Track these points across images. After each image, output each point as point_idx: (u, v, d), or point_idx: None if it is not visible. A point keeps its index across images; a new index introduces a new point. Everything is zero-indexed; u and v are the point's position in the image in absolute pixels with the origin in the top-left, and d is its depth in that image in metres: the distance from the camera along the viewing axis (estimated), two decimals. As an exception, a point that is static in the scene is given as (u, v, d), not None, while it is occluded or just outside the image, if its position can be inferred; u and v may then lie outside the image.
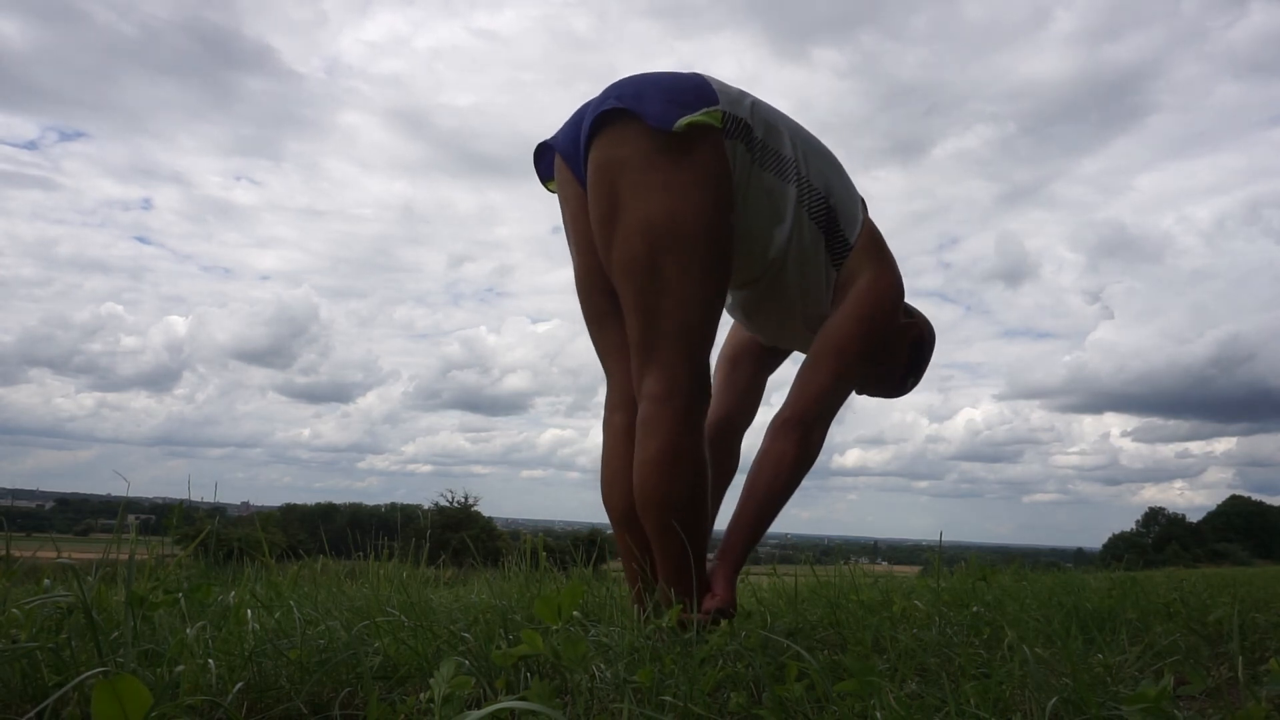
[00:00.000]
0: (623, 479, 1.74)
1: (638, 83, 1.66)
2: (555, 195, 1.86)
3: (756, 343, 2.10)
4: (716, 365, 2.15)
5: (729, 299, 1.98)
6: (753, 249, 1.74)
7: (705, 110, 1.60)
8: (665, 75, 1.69)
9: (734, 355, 2.13)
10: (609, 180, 1.63)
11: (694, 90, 1.64)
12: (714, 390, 2.12)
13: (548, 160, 1.86)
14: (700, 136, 1.60)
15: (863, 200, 1.90)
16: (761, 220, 1.72)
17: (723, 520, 1.93)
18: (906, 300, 1.99)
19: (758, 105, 1.72)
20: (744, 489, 1.78)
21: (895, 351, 1.96)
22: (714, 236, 1.62)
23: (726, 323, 2.13)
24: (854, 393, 2.05)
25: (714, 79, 1.70)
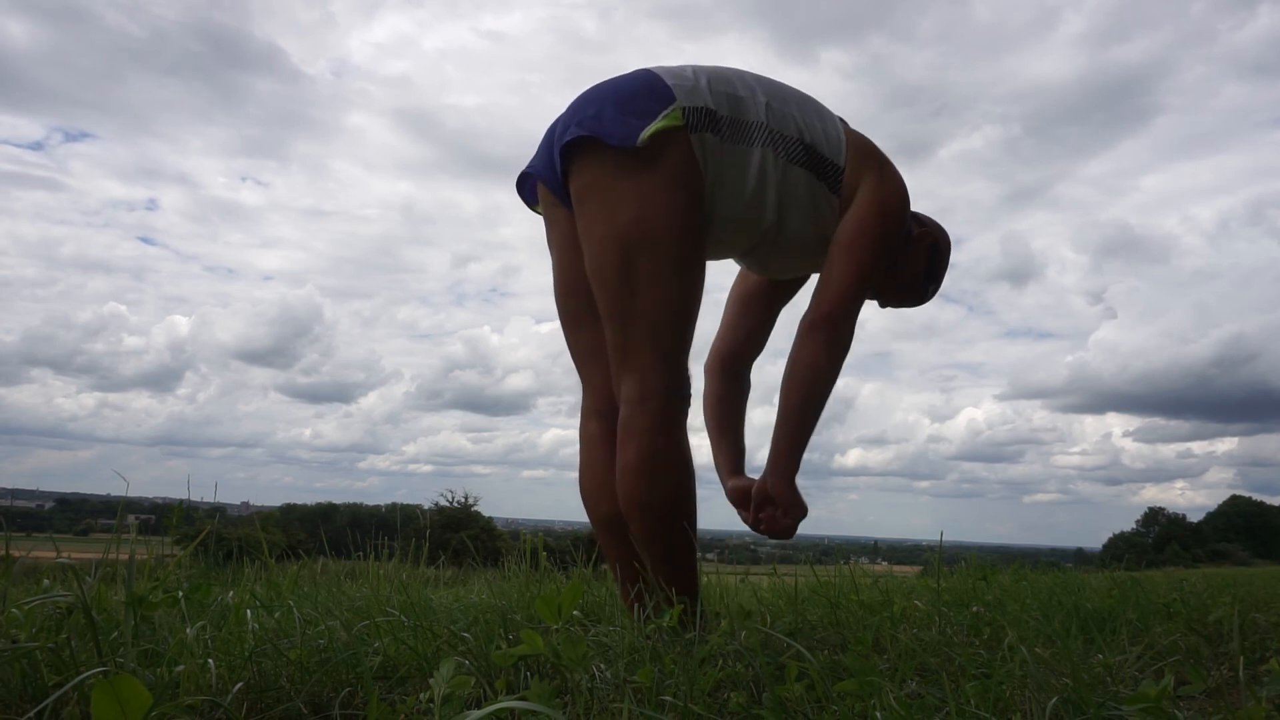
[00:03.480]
0: (603, 485, 1.74)
1: (596, 101, 1.66)
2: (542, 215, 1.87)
3: (763, 283, 2.10)
4: (726, 303, 2.16)
5: (740, 263, 2.01)
6: (746, 223, 1.75)
7: (664, 115, 1.61)
8: (618, 85, 1.69)
9: (743, 295, 2.12)
10: (587, 204, 1.66)
11: (649, 94, 1.64)
12: (724, 326, 2.13)
13: (530, 185, 1.87)
14: (666, 140, 1.61)
15: (841, 120, 1.88)
16: (745, 194, 1.71)
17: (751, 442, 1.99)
18: (917, 210, 1.98)
19: (714, 78, 1.71)
20: (781, 398, 1.77)
21: (914, 259, 1.98)
22: (683, 238, 1.63)
23: (709, 327, 2.13)
24: (879, 306, 2.06)
25: (666, 71, 1.69)
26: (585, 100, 1.69)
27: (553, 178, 1.73)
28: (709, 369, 2.12)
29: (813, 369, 1.75)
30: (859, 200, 1.79)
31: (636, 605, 1.63)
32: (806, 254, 1.88)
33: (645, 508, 1.63)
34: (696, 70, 1.72)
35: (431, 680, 0.97)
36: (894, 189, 1.81)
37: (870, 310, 2.05)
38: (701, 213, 1.67)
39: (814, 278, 2.06)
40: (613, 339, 1.67)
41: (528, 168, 1.83)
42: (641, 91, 1.65)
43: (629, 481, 1.63)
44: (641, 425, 1.62)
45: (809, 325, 1.77)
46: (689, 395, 1.70)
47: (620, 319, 1.65)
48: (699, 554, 1.74)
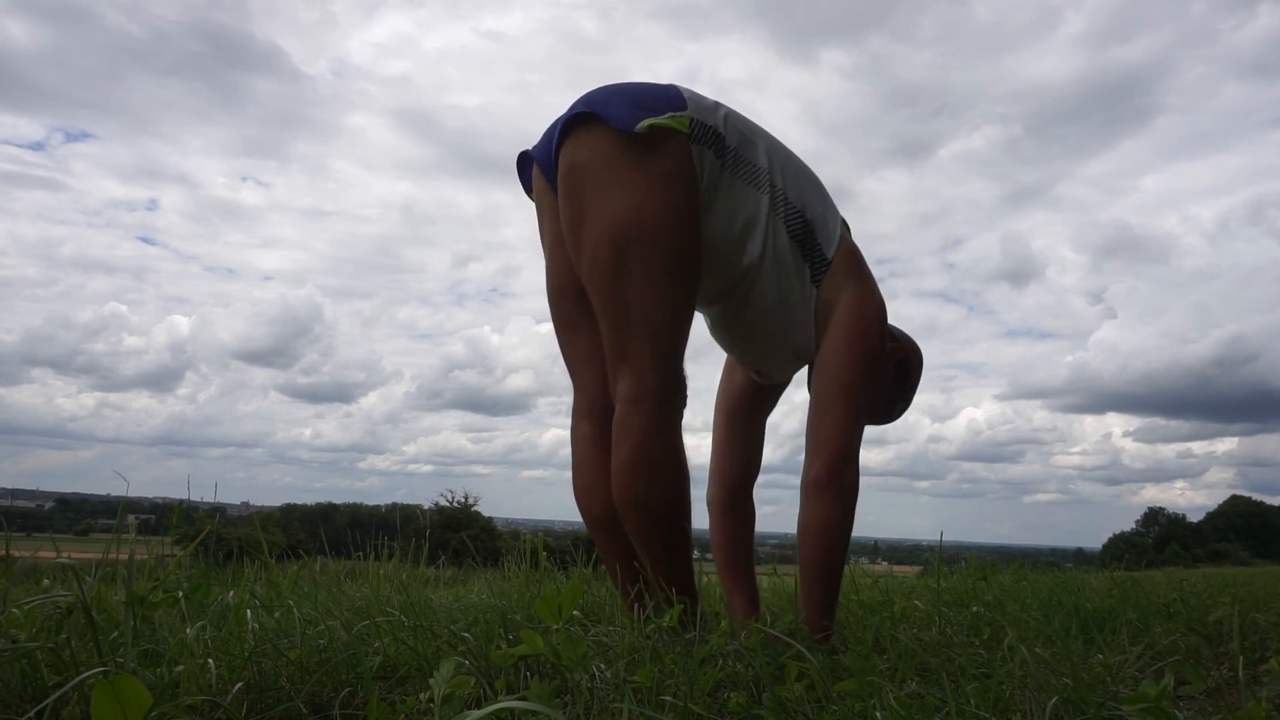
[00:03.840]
0: (595, 485, 1.74)
1: (608, 90, 1.67)
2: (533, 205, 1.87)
3: (747, 390, 2.08)
4: (714, 424, 2.13)
5: (707, 319, 1.97)
6: (725, 258, 1.73)
7: (670, 115, 1.61)
8: (637, 84, 1.70)
9: (728, 412, 2.10)
10: (575, 184, 1.64)
11: (662, 98, 1.65)
12: (718, 451, 2.10)
13: (530, 170, 1.86)
14: (665, 139, 1.61)
15: (844, 221, 1.89)
16: (733, 229, 1.71)
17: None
18: (893, 320, 1.97)
19: (732, 116, 1.72)
20: (801, 556, 1.75)
21: (882, 376, 1.93)
22: (679, 238, 1.62)
23: (703, 334, 2.11)
24: None
25: (689, 90, 1.70)
26: (599, 89, 1.70)
27: (548, 162, 1.72)
28: (714, 504, 2.10)
29: (827, 528, 1.72)
30: (841, 319, 1.77)
31: (636, 605, 1.63)
32: (771, 338, 1.85)
33: (640, 507, 1.63)
34: (720, 103, 1.73)
35: (431, 680, 0.97)
36: (874, 306, 1.80)
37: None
38: (698, 215, 1.66)
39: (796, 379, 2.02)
40: (608, 338, 1.66)
41: (530, 149, 1.82)
42: (656, 94, 1.66)
43: (623, 480, 1.63)
44: (637, 425, 1.62)
45: (815, 484, 1.73)
46: (685, 395, 1.70)
47: (615, 317, 1.64)
48: (697, 554, 1.74)
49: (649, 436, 1.62)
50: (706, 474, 2.14)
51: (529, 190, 1.88)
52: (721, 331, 1.97)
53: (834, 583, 1.75)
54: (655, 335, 1.63)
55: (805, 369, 1.97)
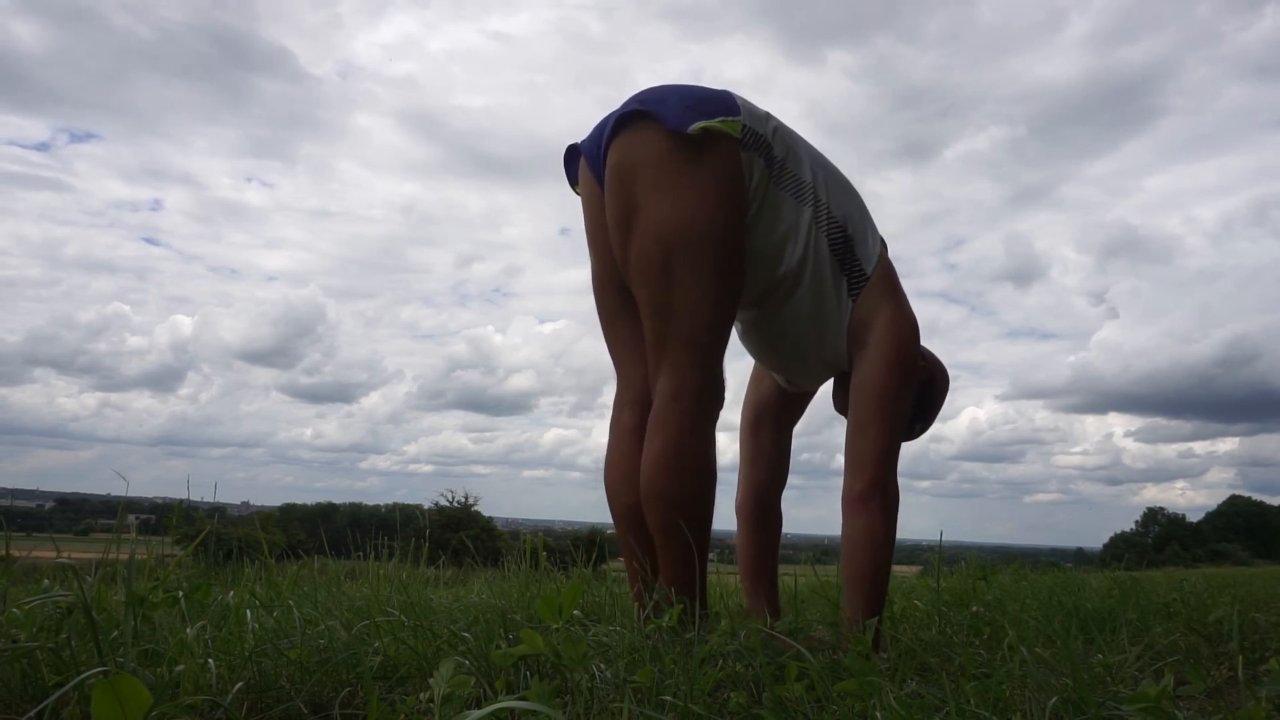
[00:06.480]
0: (629, 477, 1.74)
1: (663, 90, 1.69)
2: (578, 198, 1.87)
3: (773, 399, 2.09)
4: (740, 437, 2.14)
5: (738, 326, 1.98)
6: (764, 265, 1.74)
7: (724, 119, 1.63)
8: (693, 87, 1.71)
9: (755, 420, 2.11)
10: (624, 181, 1.65)
11: (716, 101, 1.67)
12: (746, 459, 2.11)
13: (576, 164, 1.87)
14: (716, 143, 1.62)
15: (883, 240, 1.90)
16: (774, 237, 1.72)
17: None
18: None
19: (782, 129, 1.74)
20: (847, 572, 1.74)
21: (914, 394, 1.94)
22: (726, 240, 1.63)
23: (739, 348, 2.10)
24: None
25: (742, 97, 1.72)
26: (654, 88, 1.71)
27: (597, 157, 1.74)
28: (742, 511, 2.11)
29: (875, 540, 1.72)
30: (880, 338, 1.78)
31: (636, 604, 1.63)
32: (802, 346, 1.86)
33: (665, 501, 1.63)
34: (771, 115, 1.75)
35: (431, 680, 0.97)
36: (910, 326, 1.82)
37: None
38: (744, 219, 1.67)
39: (823, 390, 2.03)
40: (650, 334, 1.68)
41: (579, 143, 1.83)
42: (711, 97, 1.67)
43: (652, 473, 1.64)
44: (672, 421, 1.63)
45: (858, 498, 1.74)
46: (723, 396, 1.71)
47: (658, 315, 1.65)
48: (714, 555, 1.74)
49: (682, 435, 1.63)
50: (723, 474, 2.14)
51: (574, 183, 1.89)
52: (753, 338, 1.97)
53: (880, 593, 1.76)
54: (696, 335, 1.65)
55: (826, 385, 1.97)
